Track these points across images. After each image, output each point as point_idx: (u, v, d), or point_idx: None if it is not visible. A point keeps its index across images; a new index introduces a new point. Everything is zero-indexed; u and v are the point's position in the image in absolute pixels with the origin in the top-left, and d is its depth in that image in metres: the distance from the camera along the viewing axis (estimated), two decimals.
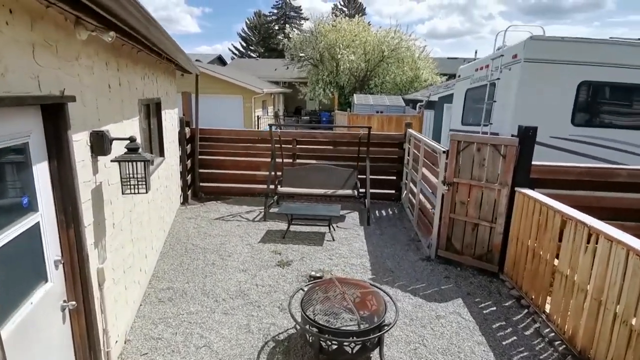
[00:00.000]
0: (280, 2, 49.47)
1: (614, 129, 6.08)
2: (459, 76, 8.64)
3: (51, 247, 2.06)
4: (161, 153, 5.11)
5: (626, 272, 2.56)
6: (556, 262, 3.36)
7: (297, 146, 7.21)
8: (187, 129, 6.75)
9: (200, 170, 7.24)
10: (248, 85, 17.69)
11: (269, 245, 5.14)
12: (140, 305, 3.64)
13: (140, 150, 2.57)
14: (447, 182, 4.53)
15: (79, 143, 2.24)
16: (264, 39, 48.87)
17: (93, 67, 2.49)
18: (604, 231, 2.77)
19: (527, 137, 3.98)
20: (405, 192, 7.00)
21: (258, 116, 19.05)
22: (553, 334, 3.27)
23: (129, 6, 2.05)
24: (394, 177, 7.30)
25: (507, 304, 3.83)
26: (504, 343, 3.22)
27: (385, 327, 2.83)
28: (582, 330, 2.94)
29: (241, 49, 49.59)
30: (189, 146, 6.91)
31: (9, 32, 1.59)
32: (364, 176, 6.39)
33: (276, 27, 48.65)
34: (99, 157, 2.55)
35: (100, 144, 2.44)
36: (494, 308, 3.76)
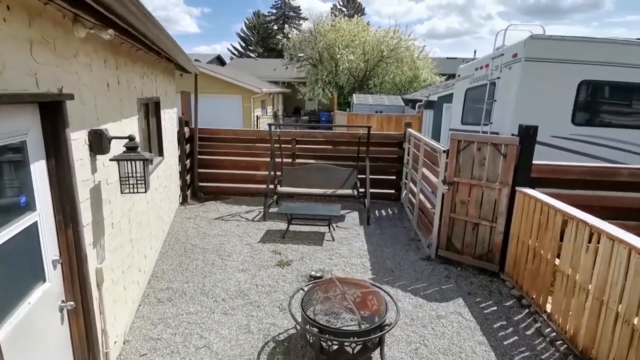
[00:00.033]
0: (279, 2, 49.44)
1: (615, 128, 6.07)
2: (459, 76, 8.63)
3: (49, 247, 2.04)
4: (160, 153, 5.09)
5: (628, 272, 2.55)
6: (557, 261, 3.35)
7: (297, 146, 7.20)
8: (186, 129, 6.73)
9: (200, 170, 7.22)
10: (247, 85, 17.67)
11: (268, 245, 5.12)
12: (140, 305, 3.62)
13: (139, 149, 2.55)
14: (448, 182, 4.52)
15: (77, 142, 2.22)
16: (263, 39, 48.83)
17: (91, 65, 2.47)
18: (605, 230, 2.76)
19: (527, 136, 3.97)
20: (405, 191, 6.98)
21: (257, 116, 19.02)
22: (554, 333, 3.25)
23: (128, 3, 2.03)
24: (394, 177, 7.29)
25: (507, 304, 3.81)
26: (505, 343, 3.20)
27: (386, 327, 2.81)
28: (583, 330, 2.93)
29: (240, 49, 49.55)
30: (188, 146, 6.88)
31: (7, 29, 1.57)
32: (364, 176, 6.38)
33: (275, 27, 48.60)
34: (98, 156, 2.53)
35: (98, 142, 2.42)
36: (495, 308, 3.74)
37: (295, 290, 3.38)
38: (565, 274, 3.19)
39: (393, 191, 7.33)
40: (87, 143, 2.39)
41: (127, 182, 2.59)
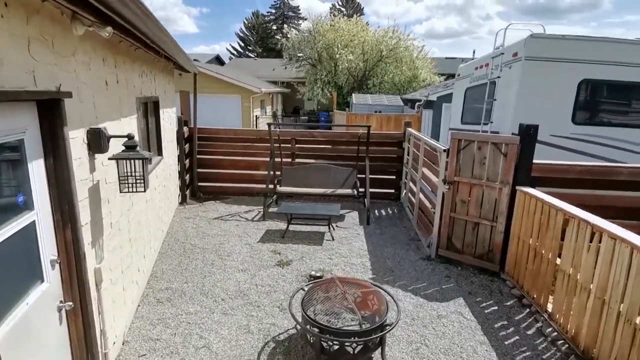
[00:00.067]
0: (278, 2, 49.40)
1: (615, 127, 6.06)
2: (459, 75, 8.62)
3: (47, 247, 2.02)
4: (159, 152, 5.06)
5: (630, 271, 2.54)
6: (558, 261, 3.34)
7: (296, 145, 7.18)
8: (185, 128, 6.71)
9: (199, 170, 7.19)
10: (246, 85, 17.63)
11: (268, 245, 5.10)
12: (139, 305, 3.59)
13: (138, 148, 2.53)
14: (448, 181, 4.50)
15: (76, 140, 2.20)
16: (262, 39, 48.79)
17: (90, 63, 2.45)
18: (607, 229, 2.75)
19: (528, 135, 3.96)
20: (404, 191, 6.97)
21: (256, 116, 18.99)
22: (555, 333, 3.24)
23: (127, 0, 2.01)
24: (394, 177, 7.27)
25: (508, 304, 3.80)
26: (506, 343, 3.19)
27: (387, 327, 2.79)
28: (585, 330, 2.92)
29: (239, 49, 49.50)
30: (187, 145, 6.86)
31: (4, 26, 1.55)
32: (363, 175, 6.37)
33: (274, 27, 48.56)
34: (96, 155, 2.51)
35: (97, 141, 2.40)
36: (496, 307, 3.73)
37: (296, 290, 3.37)
38: (567, 274, 3.18)
39: (393, 191, 7.31)
40: (86, 142, 2.37)
41: (126, 182, 2.57)
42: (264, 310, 3.58)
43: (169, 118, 5.76)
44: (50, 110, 1.95)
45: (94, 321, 2.39)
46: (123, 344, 3.04)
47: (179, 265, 4.47)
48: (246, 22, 49.90)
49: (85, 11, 2.07)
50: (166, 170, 5.47)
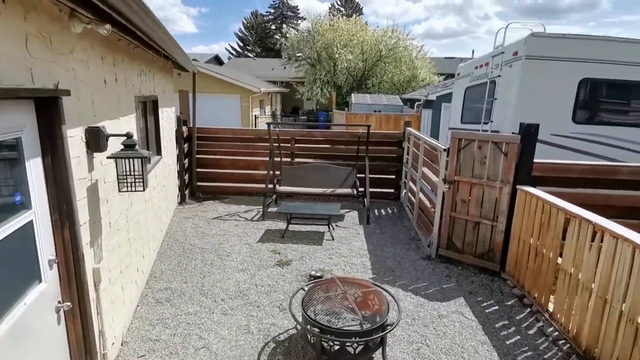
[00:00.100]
0: (277, 2, 49.37)
1: (615, 126, 6.05)
2: (458, 74, 8.61)
3: (45, 246, 1.99)
4: (158, 152, 5.04)
5: (632, 270, 2.52)
6: (559, 260, 3.33)
7: (296, 145, 7.16)
8: (184, 128, 6.68)
9: (198, 170, 7.17)
10: (245, 85, 17.60)
11: (267, 245, 5.08)
12: (138, 306, 3.57)
13: (137, 146, 2.51)
14: (448, 180, 4.49)
15: (74, 139, 2.18)
16: (261, 39, 48.75)
17: (88, 61, 2.43)
18: (609, 228, 2.74)
19: (529, 134, 3.94)
20: (404, 190, 6.96)
21: (255, 115, 18.97)
22: (557, 332, 3.23)
23: None
24: (393, 176, 7.26)
25: (509, 303, 3.79)
26: (507, 342, 3.18)
27: (388, 327, 2.78)
28: (586, 329, 2.90)
29: (238, 48, 49.46)
30: (186, 145, 6.84)
31: (2, 22, 1.53)
32: (363, 175, 6.35)
33: (273, 27, 48.52)
34: (95, 154, 2.48)
35: (96, 140, 2.37)
36: (497, 307, 3.72)
37: (296, 290, 3.35)
38: (568, 273, 3.17)
39: (392, 190, 7.30)
40: (84, 140, 2.34)
41: (125, 181, 2.55)
42: (264, 311, 3.56)
43: (168, 117, 5.74)
44: (48, 109, 1.93)
45: (92, 322, 2.36)
46: (122, 345, 3.02)
47: (178, 265, 4.45)
48: (245, 22, 49.88)
49: (83, 8, 2.05)
50: (165, 170, 5.44)
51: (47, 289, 2.00)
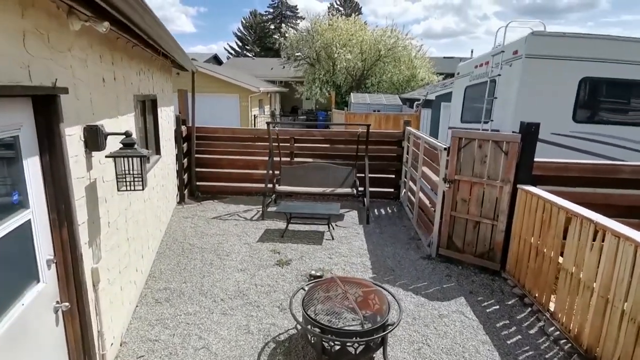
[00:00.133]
0: (276, 1, 49.32)
1: (616, 125, 6.04)
2: (458, 73, 8.59)
3: (43, 246, 1.97)
4: (157, 151, 5.02)
5: (634, 269, 2.51)
6: (560, 259, 3.32)
7: (295, 144, 7.14)
8: (183, 127, 6.66)
9: (197, 169, 7.14)
10: (244, 84, 17.56)
11: (267, 245, 5.06)
12: (137, 306, 3.55)
13: (136, 145, 2.49)
14: (448, 180, 4.48)
15: (72, 138, 2.16)
16: (259, 39, 48.69)
17: (86, 59, 2.41)
18: (611, 227, 2.72)
19: (529, 133, 3.93)
20: (404, 190, 6.94)
21: (255, 115, 18.93)
22: (558, 332, 3.22)
23: None
24: (393, 176, 7.24)
25: (510, 303, 3.78)
26: (508, 342, 3.17)
27: (389, 327, 2.76)
28: (588, 329, 2.89)
29: (237, 48, 49.38)
30: (185, 144, 6.82)
31: None
32: (363, 174, 6.34)
33: (272, 27, 48.47)
34: (93, 153, 2.46)
35: (94, 138, 2.35)
36: (497, 307, 3.70)
37: (296, 290, 3.33)
38: (569, 272, 3.16)
39: (392, 190, 7.29)
40: (83, 139, 2.32)
41: (124, 180, 2.53)
42: (264, 310, 3.54)
43: (167, 117, 5.71)
44: (45, 107, 1.91)
45: (91, 322, 2.34)
46: (121, 345, 3.00)
47: (177, 265, 4.43)
48: (244, 21, 49.81)
49: (81, 6, 2.03)
50: (164, 170, 5.42)
51: (45, 289, 1.98)
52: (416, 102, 16.08)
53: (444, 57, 32.76)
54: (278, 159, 6.79)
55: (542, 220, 3.61)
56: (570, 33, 5.82)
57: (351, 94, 20.96)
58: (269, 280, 4.12)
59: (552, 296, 3.46)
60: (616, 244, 2.67)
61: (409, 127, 6.81)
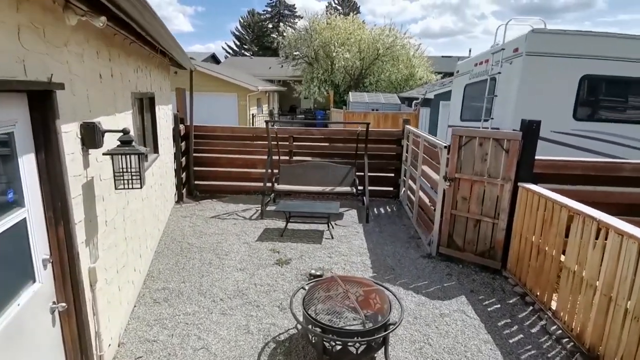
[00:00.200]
0: (274, 0, 49.21)
1: (616, 123, 6.03)
2: (457, 72, 8.57)
3: (39, 245, 1.93)
4: (155, 150, 4.97)
5: (638, 267, 2.49)
6: (562, 258, 3.29)
7: (294, 143, 7.10)
8: (181, 126, 6.61)
9: (195, 168, 7.10)
10: (243, 83, 17.50)
11: (266, 244, 5.02)
12: (135, 306, 3.51)
13: (134, 143, 2.45)
14: (449, 178, 4.45)
15: (69, 135, 2.11)
16: (257, 38, 48.59)
17: (83, 55, 2.36)
18: (614, 225, 2.70)
19: (530, 131, 3.91)
20: (403, 189, 6.92)
21: (253, 114, 18.87)
22: (560, 331, 3.19)
23: None
24: (392, 174, 7.22)
25: (511, 301, 3.75)
26: (510, 341, 3.14)
27: (391, 327, 2.73)
28: (590, 327, 2.87)
29: (235, 47, 49.28)
30: (183, 143, 6.76)
31: None
32: (362, 173, 6.31)
33: (270, 26, 48.39)
34: (90, 150, 2.42)
35: (91, 136, 2.31)
36: (499, 305, 3.68)
37: (297, 289, 3.29)
38: (571, 271, 3.13)
39: (391, 189, 7.26)
40: (79, 136, 2.28)
41: (122, 178, 2.49)
42: (264, 310, 3.50)
43: (165, 115, 5.66)
44: (41, 102, 1.86)
45: (88, 322, 2.30)
46: (119, 346, 2.96)
47: (176, 264, 4.39)
48: (242, 20, 49.70)
49: (78, 0, 1.98)
50: (162, 168, 5.37)
51: (41, 289, 1.94)
52: (415, 101, 16.06)
53: (442, 56, 32.78)
54: (277, 157, 6.75)
55: (543, 218, 3.59)
56: (571, 30, 5.80)
57: (349, 93, 20.94)
58: (268, 279, 4.09)
59: (554, 295, 3.44)
60: (619, 242, 2.65)
61: (408, 126, 6.78)
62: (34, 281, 1.92)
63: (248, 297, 3.72)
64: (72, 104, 2.18)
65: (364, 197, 6.17)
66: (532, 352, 3.01)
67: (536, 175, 4.03)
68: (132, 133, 2.60)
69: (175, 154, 6.47)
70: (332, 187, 6.29)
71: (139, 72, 3.99)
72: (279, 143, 6.77)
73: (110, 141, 2.59)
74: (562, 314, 3.24)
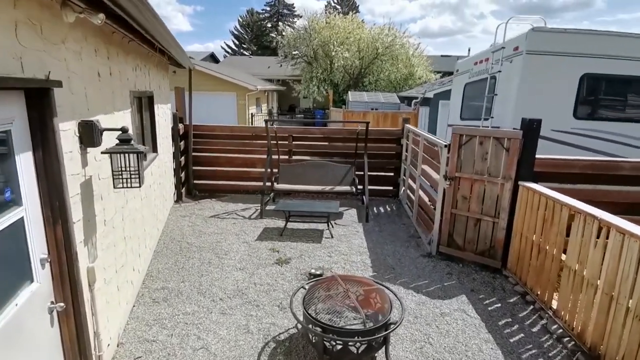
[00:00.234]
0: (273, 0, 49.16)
1: (617, 122, 6.02)
2: (457, 71, 8.55)
3: (37, 245, 1.91)
4: (154, 149, 4.95)
5: None
6: (563, 257, 3.28)
7: (294, 142, 7.08)
8: (180, 125, 6.58)
9: (194, 168, 7.07)
10: (242, 82, 17.47)
11: (266, 243, 5.01)
12: (134, 306, 3.49)
13: (132, 141, 2.43)
14: (449, 177, 4.44)
15: (67, 133, 2.09)
16: (256, 37, 48.51)
17: (81, 52, 2.34)
18: (615, 224, 2.69)
19: (531, 129, 3.89)
20: (403, 188, 6.90)
21: (252, 113, 18.85)
22: (561, 330, 3.18)
23: None
24: (392, 174, 7.21)
25: (511, 300, 3.74)
26: (511, 340, 3.13)
27: (392, 326, 2.72)
28: (592, 326, 2.86)
29: (234, 47, 49.19)
30: (182, 143, 6.74)
31: None
32: (362, 172, 6.29)
33: (269, 25, 48.31)
34: (89, 149, 2.40)
35: (89, 134, 2.29)
36: (499, 305, 3.67)
37: (297, 289, 3.28)
38: (572, 270, 3.12)
39: (391, 188, 7.25)
40: (77, 135, 2.26)
41: (121, 176, 2.47)
42: (264, 310, 3.49)
43: (163, 114, 5.64)
44: (39, 100, 1.84)
45: (87, 323, 2.28)
46: (118, 346, 2.94)
47: (175, 264, 4.37)
48: (241, 20, 49.61)
49: None
50: (161, 168, 5.35)
51: (39, 289, 1.92)
52: (414, 100, 16.06)
53: (442, 56, 32.79)
54: (276, 156, 6.73)
55: (544, 217, 3.57)
56: (571, 29, 5.78)
57: (349, 92, 20.92)
58: (268, 279, 4.07)
59: (555, 294, 3.43)
60: (621, 241, 2.64)
61: (408, 125, 6.77)
62: (32, 281, 1.90)
63: (248, 297, 3.70)
64: (70, 102, 2.16)
65: (364, 197, 6.16)
66: (533, 351, 3.00)
67: (537, 174, 4.02)
68: (130, 131, 2.58)
69: (174, 153, 6.44)
70: (331, 187, 6.28)
71: (138, 71, 3.96)
72: (279, 142, 6.75)
73: (109, 140, 2.57)
74: (562, 313, 3.23)
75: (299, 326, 3.15)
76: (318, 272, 4.16)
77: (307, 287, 3.16)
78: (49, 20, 1.91)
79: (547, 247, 3.50)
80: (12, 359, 1.69)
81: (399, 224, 5.91)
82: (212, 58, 35.41)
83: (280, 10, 49.07)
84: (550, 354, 2.97)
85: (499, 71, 6.31)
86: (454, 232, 4.57)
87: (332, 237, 5.28)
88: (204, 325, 3.23)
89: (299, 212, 5.52)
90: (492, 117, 6.45)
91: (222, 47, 54.76)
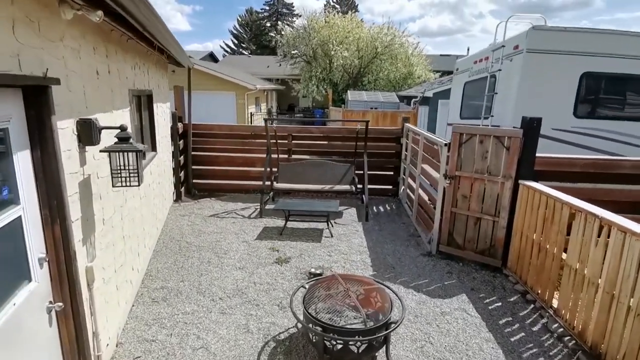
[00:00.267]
0: None
1: (617, 120, 6.02)
2: (457, 69, 8.54)
3: (35, 244, 1.89)
4: (153, 148, 4.93)
5: None
6: (564, 255, 3.27)
7: (293, 141, 7.06)
8: (179, 124, 6.56)
9: (194, 167, 7.05)
10: (241, 82, 17.45)
11: (266, 242, 4.99)
12: (133, 305, 3.47)
13: (131, 139, 2.41)
14: (449, 176, 4.43)
15: (65, 131, 2.07)
16: (255, 36, 48.44)
17: (79, 50, 2.32)
18: (616, 222, 2.68)
19: (531, 128, 3.89)
20: (403, 187, 6.89)
21: (251, 113, 18.83)
22: (562, 329, 3.18)
23: None
24: (392, 173, 7.20)
25: (512, 299, 3.74)
26: (512, 339, 3.12)
27: (392, 325, 2.71)
28: (592, 325, 2.85)
29: (233, 46, 49.11)
30: (181, 142, 6.72)
31: None
32: (361, 171, 6.28)
33: (268, 24, 48.25)
34: (87, 148, 2.38)
35: (88, 132, 2.27)
36: (499, 304, 3.66)
37: (297, 288, 3.26)
38: (573, 268, 3.11)
39: (390, 187, 7.24)
40: (76, 133, 2.24)
41: (119, 175, 2.45)
42: (264, 309, 3.47)
43: (162, 113, 5.62)
44: (36, 98, 1.82)
45: (85, 322, 2.27)
46: (117, 346, 2.92)
47: (174, 263, 4.35)
48: (240, 19, 49.51)
49: None
50: (160, 167, 5.33)
51: (37, 288, 1.91)
52: (413, 100, 16.04)
53: (441, 55, 32.79)
54: (276, 156, 6.72)
55: (544, 216, 3.57)
56: (571, 27, 5.77)
57: (348, 91, 20.90)
58: (268, 278, 4.06)
59: (555, 293, 3.42)
60: (622, 240, 2.63)
61: (407, 124, 6.75)
62: (30, 280, 1.88)
63: (247, 296, 3.69)
64: (69, 100, 2.14)
65: (363, 196, 6.15)
66: (534, 350, 2.99)
67: (537, 172, 4.01)
68: (129, 130, 2.56)
69: (173, 152, 6.43)
70: (331, 186, 6.26)
71: (137, 69, 3.94)
72: (278, 141, 6.73)
73: (108, 138, 2.55)
74: (563, 312, 3.23)
75: (299, 325, 3.14)
76: (318, 272, 4.15)
77: (307, 286, 3.15)
78: (47, 17, 1.90)
79: (548, 246, 3.49)
80: (11, 358, 1.67)
81: (398, 223, 5.90)
82: (211, 57, 35.35)
83: (279, 10, 49.00)
84: (551, 353, 2.96)
85: (499, 70, 6.30)
86: (454, 231, 4.56)
87: (331, 236, 5.27)
88: (203, 324, 3.22)
89: (298, 211, 5.51)
90: (492, 116, 6.44)
91: (221, 46, 54.77)
